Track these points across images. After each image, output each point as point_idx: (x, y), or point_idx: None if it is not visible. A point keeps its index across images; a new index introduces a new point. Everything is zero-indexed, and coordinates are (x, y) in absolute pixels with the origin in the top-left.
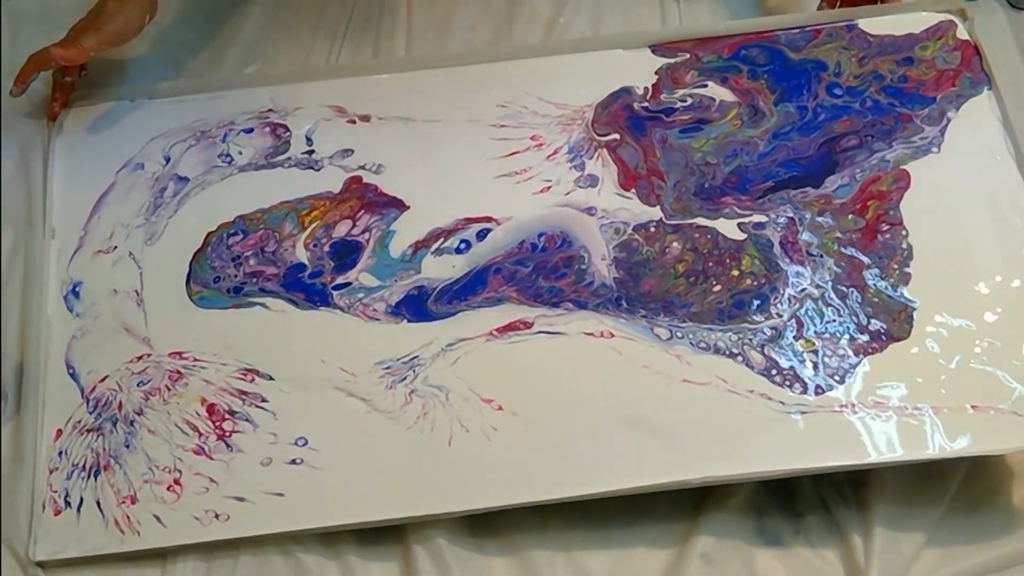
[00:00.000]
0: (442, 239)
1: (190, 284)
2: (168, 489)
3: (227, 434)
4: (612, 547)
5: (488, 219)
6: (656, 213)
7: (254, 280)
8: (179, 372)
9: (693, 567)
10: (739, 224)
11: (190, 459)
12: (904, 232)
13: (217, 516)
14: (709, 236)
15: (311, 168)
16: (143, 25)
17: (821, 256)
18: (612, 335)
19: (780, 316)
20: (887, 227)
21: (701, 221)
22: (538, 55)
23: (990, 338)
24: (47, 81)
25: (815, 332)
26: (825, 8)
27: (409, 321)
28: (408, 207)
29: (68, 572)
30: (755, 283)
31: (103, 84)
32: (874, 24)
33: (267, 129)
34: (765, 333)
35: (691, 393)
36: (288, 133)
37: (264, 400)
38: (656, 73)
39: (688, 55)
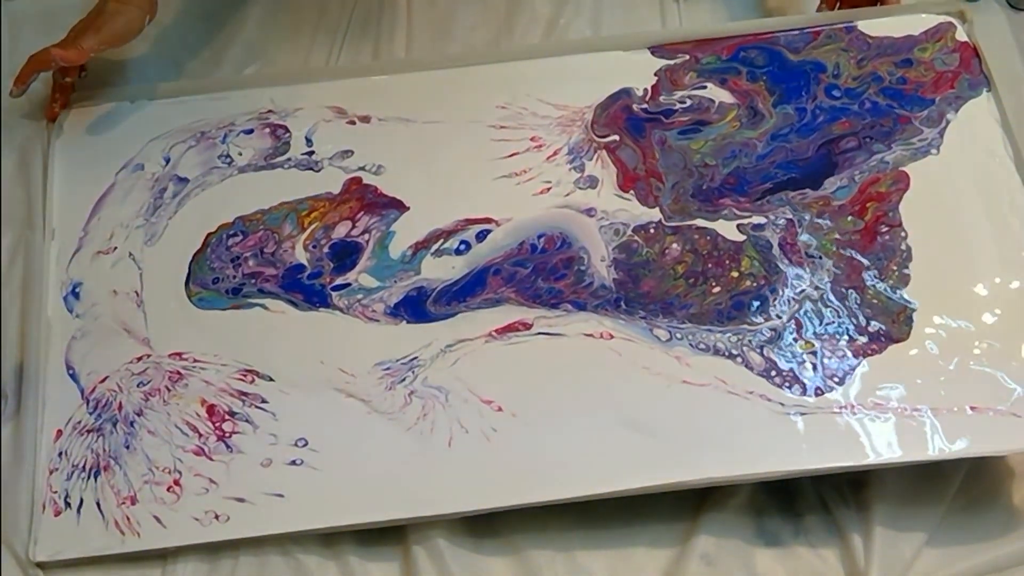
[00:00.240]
0: (442, 240)
1: (189, 285)
2: (168, 490)
3: (227, 435)
4: (612, 547)
5: (488, 220)
6: (655, 214)
7: (253, 281)
8: (179, 373)
9: (693, 567)
10: (738, 225)
11: (190, 460)
12: (903, 234)
13: (217, 517)
14: (708, 237)
15: (311, 169)
16: (143, 26)
17: (820, 257)
18: (612, 336)
19: (779, 317)
20: (886, 229)
21: (700, 222)
22: (538, 56)
23: (989, 339)
24: (47, 82)
25: (814, 333)
26: (824, 9)
27: (408, 322)
28: (408, 208)
29: (68, 573)
30: (754, 284)
31: (103, 85)
32: (873, 26)
33: (267, 130)
34: (764, 334)
35: (690, 394)
36: (288, 134)
37: (264, 401)
38: (655, 74)
39: (687, 56)
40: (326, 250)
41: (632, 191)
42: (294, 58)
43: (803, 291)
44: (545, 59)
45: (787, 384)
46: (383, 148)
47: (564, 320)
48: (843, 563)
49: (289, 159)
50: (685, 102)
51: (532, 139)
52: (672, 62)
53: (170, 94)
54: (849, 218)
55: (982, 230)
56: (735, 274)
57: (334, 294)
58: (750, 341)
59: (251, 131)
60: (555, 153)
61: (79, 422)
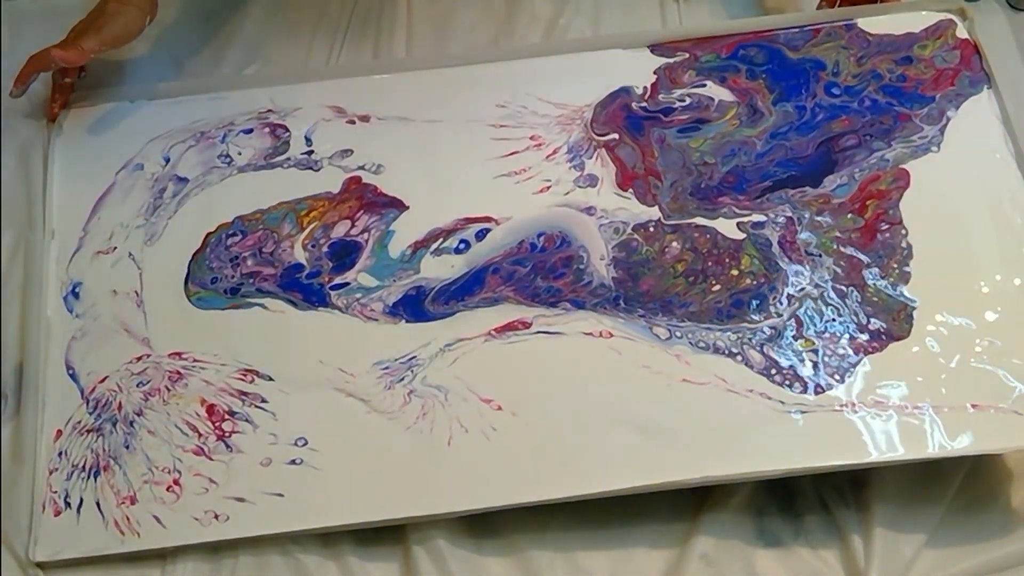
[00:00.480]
0: (441, 239)
1: (188, 285)
2: (168, 490)
3: (227, 435)
4: (612, 548)
5: (487, 219)
6: (654, 213)
7: (251, 281)
8: (179, 373)
9: (693, 568)
10: (738, 224)
11: (190, 460)
12: (904, 231)
13: (217, 517)
14: (708, 236)
15: (310, 168)
16: (143, 27)
17: (820, 255)
18: (611, 335)
19: (779, 315)
20: (886, 226)
21: (700, 221)
22: (538, 55)
23: (990, 337)
24: (47, 82)
25: (815, 331)
26: (824, 7)
27: (407, 321)
28: (407, 207)
29: (68, 573)
30: (754, 282)
31: (103, 85)
32: (873, 24)
33: (266, 130)
34: (764, 332)
35: (691, 393)
36: (287, 133)
37: (264, 401)
38: (655, 73)
39: (687, 55)
40: (325, 249)
41: (631, 189)
42: (294, 58)
43: (803, 289)
44: (545, 58)
45: (787, 382)
46: (383, 147)
47: (563, 319)
48: (843, 564)
49: (288, 159)
50: (684, 100)
51: (532, 138)
52: (671, 60)
53: (170, 94)
54: (849, 216)
55: (983, 227)
56: (735, 272)
57: (333, 293)
58: (750, 339)
59: (251, 131)
60: (555, 152)
61: (79, 422)
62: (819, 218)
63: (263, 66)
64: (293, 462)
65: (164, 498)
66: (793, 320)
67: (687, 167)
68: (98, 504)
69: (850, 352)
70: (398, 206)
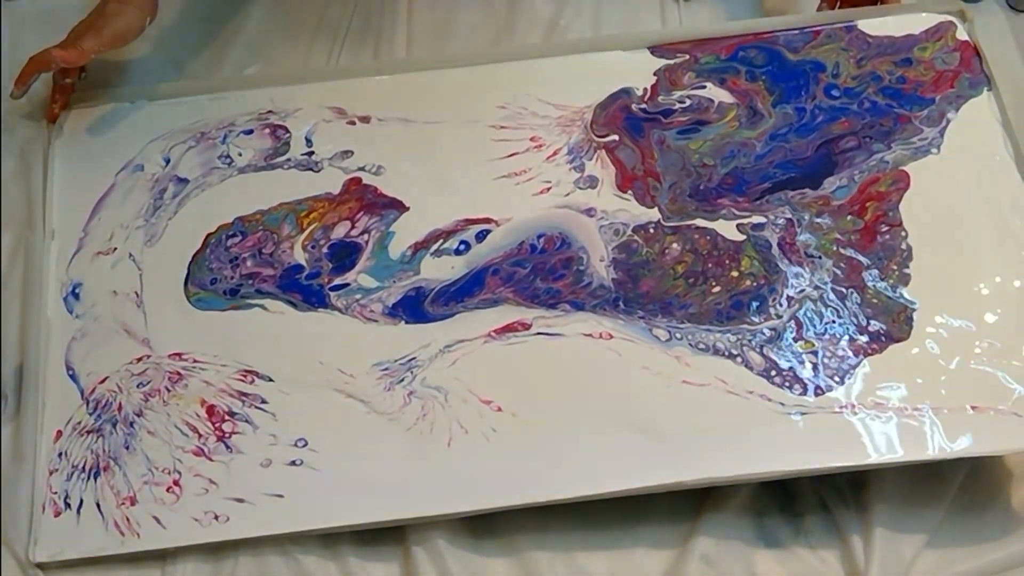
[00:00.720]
0: (441, 240)
1: (188, 286)
2: (168, 490)
3: (227, 435)
4: (612, 548)
5: (488, 220)
6: (654, 215)
7: (250, 282)
8: (179, 373)
9: (693, 568)
10: (738, 225)
11: (190, 460)
12: (903, 233)
13: (217, 517)
14: (708, 237)
15: (310, 169)
16: (144, 27)
17: (820, 257)
18: (611, 336)
19: (779, 317)
20: (886, 228)
21: (700, 222)
22: (538, 56)
23: (990, 339)
24: (47, 83)
25: (815, 333)
26: (824, 9)
27: (407, 322)
28: (407, 208)
29: (68, 573)
30: (754, 284)
31: (103, 85)
32: (873, 25)
33: (267, 130)
34: (764, 334)
35: (690, 394)
36: (288, 134)
37: (264, 402)
38: (654, 74)
39: (687, 56)
40: (325, 250)
41: (630, 191)
42: (294, 59)
43: (803, 291)
44: (545, 59)
45: (787, 384)
46: (383, 148)
47: (563, 320)
48: (843, 564)
49: (289, 159)
50: (684, 102)
51: (532, 139)
52: (671, 62)
53: (170, 95)
54: (849, 218)
55: (983, 229)
56: (735, 274)
57: (332, 294)
58: (750, 341)
59: (251, 131)
60: (555, 153)
61: (79, 423)
62: (819, 220)
63: (263, 66)
64: (293, 463)
65: (164, 499)
66: (793, 322)
67: (687, 169)
68: (98, 505)
69: (850, 354)
70: (398, 207)
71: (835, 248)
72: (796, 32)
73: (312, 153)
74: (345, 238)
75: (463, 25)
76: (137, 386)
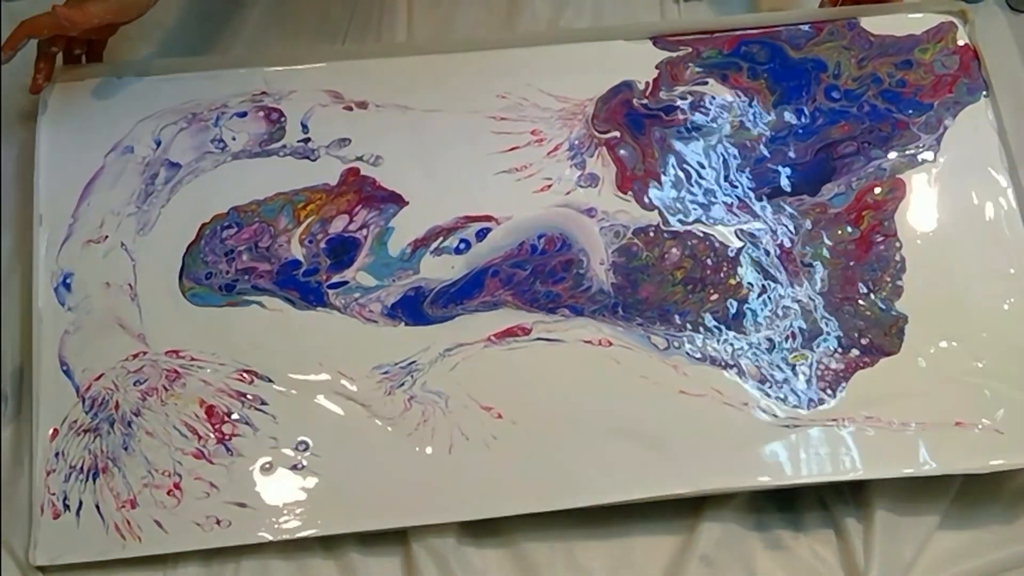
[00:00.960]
0: (441, 238)
1: (183, 280)
2: (168, 494)
3: (227, 437)
4: (612, 547)
5: (488, 218)
6: (654, 218)
7: (246, 277)
8: (176, 372)
9: (693, 568)
10: (737, 231)
11: (190, 463)
12: (898, 244)
13: (219, 522)
14: (707, 243)
15: (307, 158)
16: (150, 4)
17: (816, 266)
18: (610, 343)
19: (775, 327)
20: (881, 238)
21: (699, 227)
22: (539, 44)
23: (979, 354)
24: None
25: (809, 345)
26: (827, 5)
27: (406, 324)
28: (407, 203)
29: (68, 575)
30: (751, 293)
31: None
32: (875, 23)
33: (261, 114)
34: (760, 344)
35: (687, 405)
36: (283, 119)
37: (264, 403)
38: (656, 67)
39: (689, 49)
40: (322, 245)
41: (630, 192)
42: None
43: (799, 301)
44: (546, 47)
45: (781, 396)
46: (381, 137)
47: (563, 325)
48: (843, 564)
49: (284, 146)
50: (686, 98)
51: (533, 132)
52: (674, 55)
53: (159, 71)
54: (846, 226)
55: (974, 243)
56: (732, 281)
57: (331, 292)
58: (746, 351)
59: (244, 114)
60: (556, 148)
61: (75, 421)
62: (816, 228)
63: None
64: (295, 467)
65: (165, 502)
66: (788, 332)
67: (687, 170)
68: (98, 507)
69: (842, 366)
70: (397, 201)
71: (831, 258)
72: (799, 27)
73: (308, 140)
74: (343, 232)
75: (463, 25)
76: (134, 384)
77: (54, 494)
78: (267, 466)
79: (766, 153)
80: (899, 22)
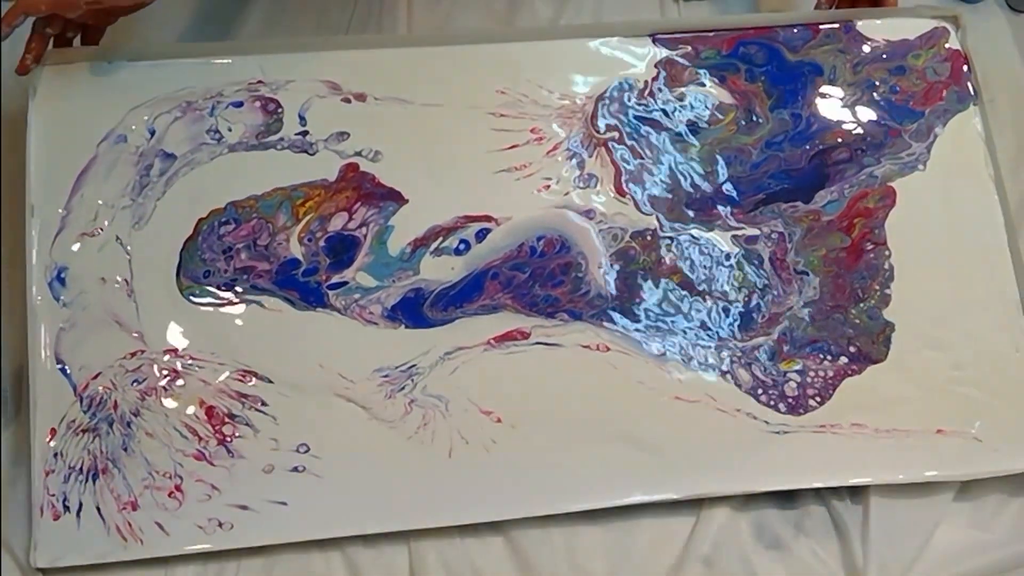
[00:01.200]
0: (441, 238)
1: (180, 277)
2: (169, 495)
3: (227, 439)
4: (612, 547)
5: (487, 218)
6: (651, 222)
7: (245, 277)
8: (175, 371)
9: (693, 568)
10: (732, 237)
11: (191, 465)
12: (887, 252)
13: (221, 525)
14: (703, 248)
15: (305, 152)
16: None
17: (808, 274)
18: (608, 348)
19: (768, 334)
20: (871, 246)
21: (695, 232)
22: (539, 39)
23: (962, 364)
24: None
25: (799, 352)
26: (824, 8)
27: (406, 327)
28: (407, 201)
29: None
30: (745, 299)
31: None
32: (871, 27)
33: (258, 104)
34: (752, 351)
35: (682, 411)
36: (280, 110)
37: (264, 404)
38: (655, 67)
39: (688, 48)
40: (322, 244)
41: (628, 194)
42: None
43: (790, 308)
44: (546, 42)
45: (772, 402)
46: (380, 132)
47: (561, 330)
48: (843, 564)
49: (282, 139)
50: (683, 99)
51: (532, 130)
52: (673, 53)
53: (152, 56)
54: (838, 235)
55: (961, 251)
56: (727, 288)
57: (331, 293)
58: (739, 357)
59: (241, 104)
60: (555, 147)
61: (73, 420)
62: (809, 236)
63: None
64: (295, 469)
65: (166, 504)
66: (779, 339)
67: (684, 173)
68: (98, 509)
69: (831, 374)
70: (397, 199)
71: (822, 265)
72: (796, 29)
73: (307, 133)
74: (343, 231)
75: (463, 24)
76: (132, 383)
77: (53, 495)
78: (268, 468)
79: (762, 158)
80: (894, 26)
